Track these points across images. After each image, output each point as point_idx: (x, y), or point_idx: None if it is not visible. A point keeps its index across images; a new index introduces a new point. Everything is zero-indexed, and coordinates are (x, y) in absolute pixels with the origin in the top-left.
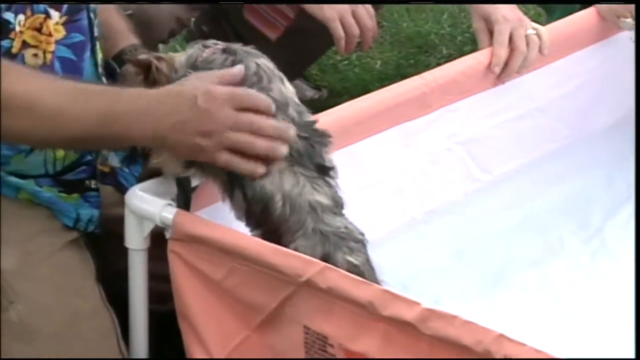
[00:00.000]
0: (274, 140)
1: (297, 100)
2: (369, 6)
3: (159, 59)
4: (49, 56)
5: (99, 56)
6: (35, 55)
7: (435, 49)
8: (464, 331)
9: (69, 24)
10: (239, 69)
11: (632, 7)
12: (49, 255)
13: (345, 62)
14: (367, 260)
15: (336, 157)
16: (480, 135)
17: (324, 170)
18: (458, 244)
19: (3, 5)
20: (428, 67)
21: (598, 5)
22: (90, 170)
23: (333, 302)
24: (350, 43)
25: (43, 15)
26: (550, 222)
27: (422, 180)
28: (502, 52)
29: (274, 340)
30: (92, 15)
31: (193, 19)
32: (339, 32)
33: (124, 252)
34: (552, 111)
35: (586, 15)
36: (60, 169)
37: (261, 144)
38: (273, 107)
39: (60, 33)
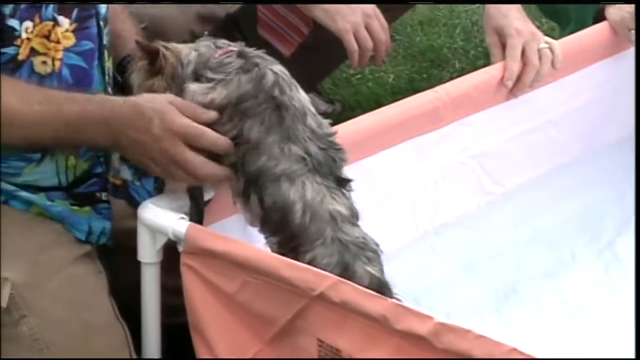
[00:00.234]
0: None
1: (313, 109)
2: (382, 19)
3: (166, 48)
4: (57, 64)
5: (107, 64)
6: (44, 62)
7: (448, 63)
8: (477, 345)
9: (79, 31)
10: (213, 115)
11: None
12: (61, 269)
13: (358, 76)
14: (382, 271)
15: (349, 170)
16: (492, 149)
17: (342, 182)
18: (470, 257)
19: (7, 12)
20: (441, 81)
21: (609, 15)
22: (101, 183)
23: (346, 315)
24: (364, 57)
25: (51, 23)
26: (562, 236)
27: (435, 193)
28: (515, 66)
29: (287, 353)
30: (101, 23)
31: (206, 33)
32: (353, 45)
33: (136, 265)
34: (564, 125)
35: (598, 30)
36: (72, 180)
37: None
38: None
39: (70, 40)
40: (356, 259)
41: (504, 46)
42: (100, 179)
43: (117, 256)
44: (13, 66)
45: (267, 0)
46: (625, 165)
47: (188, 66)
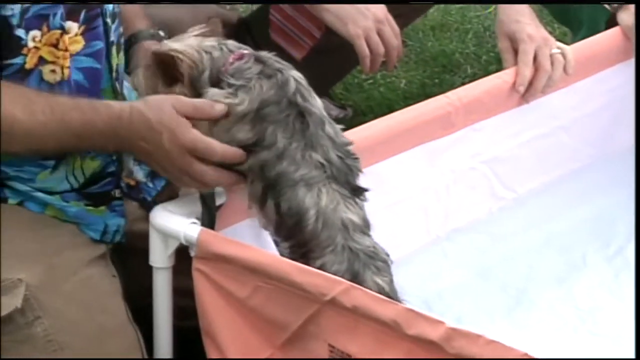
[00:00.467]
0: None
1: (326, 115)
2: (394, 24)
3: (181, 54)
4: (66, 72)
5: (114, 61)
6: (53, 71)
7: (460, 68)
8: (488, 350)
9: (88, 32)
10: (221, 108)
11: None
12: (75, 271)
13: (370, 81)
14: (392, 282)
15: (361, 176)
16: (504, 154)
17: (358, 191)
18: (482, 262)
19: (15, 23)
20: (453, 86)
21: (621, 20)
22: (115, 182)
23: (357, 320)
24: (376, 62)
25: (59, 31)
26: (573, 241)
27: (447, 199)
28: (527, 71)
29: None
30: (108, 20)
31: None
32: (365, 50)
33: (148, 268)
34: (575, 130)
35: (610, 35)
36: (83, 182)
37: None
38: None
39: (79, 44)
40: (365, 268)
41: (516, 51)
42: (114, 177)
43: (129, 258)
44: (21, 75)
45: (276, 0)
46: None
47: (204, 72)
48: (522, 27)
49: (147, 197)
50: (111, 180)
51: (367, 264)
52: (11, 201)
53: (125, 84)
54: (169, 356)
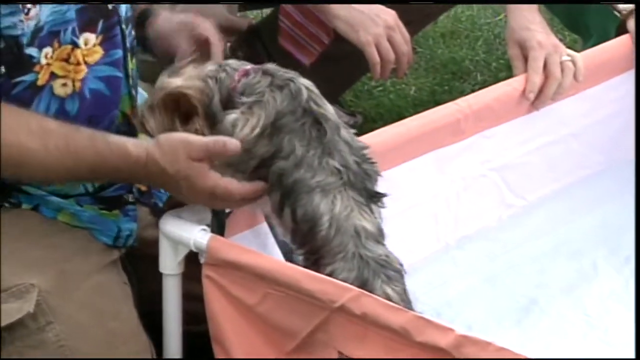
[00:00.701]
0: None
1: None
2: (404, 31)
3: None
4: (77, 84)
5: (130, 67)
6: (64, 84)
7: (470, 76)
8: (498, 357)
9: (107, 42)
10: (237, 146)
11: None
12: (87, 277)
13: (380, 88)
14: (405, 291)
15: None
16: (514, 162)
17: (375, 197)
18: (492, 269)
19: (25, 42)
20: (462, 93)
21: (631, 27)
22: (127, 186)
23: (367, 328)
24: (386, 69)
25: (70, 46)
26: (583, 248)
27: (456, 206)
28: (537, 78)
29: None
30: (123, 26)
31: (229, 44)
32: (375, 57)
33: (158, 274)
34: (585, 137)
35: (620, 42)
36: (97, 185)
37: None
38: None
39: (98, 54)
40: (375, 276)
41: (526, 59)
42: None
43: (139, 265)
44: (32, 92)
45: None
46: None
47: (214, 98)
48: (533, 35)
49: (159, 202)
50: (124, 184)
51: (377, 273)
52: (25, 206)
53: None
54: None
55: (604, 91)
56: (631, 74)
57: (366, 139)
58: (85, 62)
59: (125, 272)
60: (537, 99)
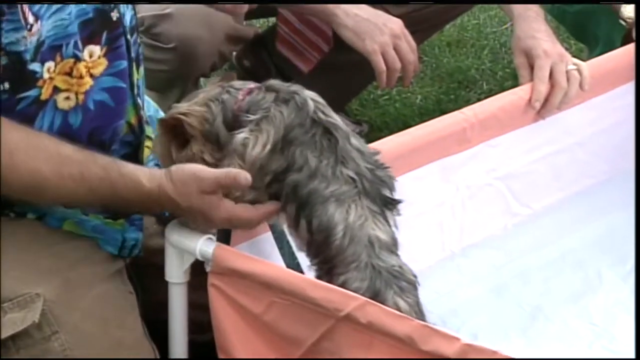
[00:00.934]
0: None
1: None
2: (410, 39)
3: (185, 115)
4: (81, 97)
5: (134, 77)
6: (67, 98)
7: (476, 85)
8: None
9: (111, 52)
10: (247, 180)
11: None
12: (92, 286)
13: (386, 97)
14: (417, 303)
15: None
16: (519, 170)
17: (391, 204)
18: (497, 278)
19: (28, 58)
20: (468, 102)
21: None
22: None
23: (372, 336)
24: (392, 77)
25: (72, 60)
26: (588, 257)
27: (462, 214)
28: (543, 87)
29: None
30: (128, 36)
31: (235, 53)
32: (381, 65)
33: (163, 283)
34: (591, 146)
35: (626, 52)
36: None
37: None
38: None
39: (102, 65)
40: (387, 287)
41: (531, 67)
42: None
43: (144, 274)
44: (36, 107)
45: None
46: None
47: (215, 120)
48: (538, 43)
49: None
50: None
51: (389, 283)
52: (30, 215)
53: (145, 97)
54: None
55: (609, 100)
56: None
57: (372, 147)
58: (91, 75)
59: (130, 281)
60: (543, 108)
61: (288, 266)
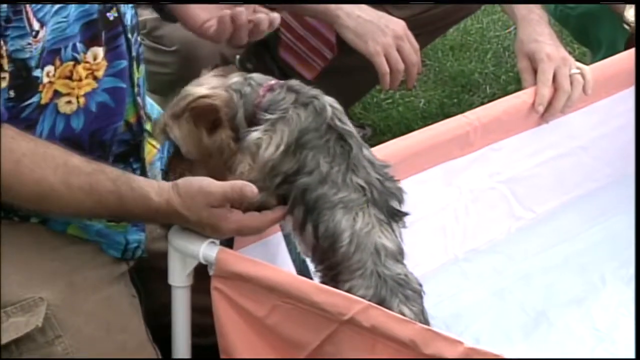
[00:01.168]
0: None
1: None
2: (413, 41)
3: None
4: (82, 100)
5: (135, 76)
6: (69, 102)
7: (479, 88)
8: None
9: (110, 52)
10: (254, 192)
11: None
12: (96, 289)
13: (389, 100)
14: (422, 312)
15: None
16: (523, 174)
17: (397, 215)
18: (500, 282)
19: (33, 65)
20: (471, 106)
21: None
22: None
23: (376, 340)
24: (395, 79)
25: (72, 63)
26: (592, 261)
27: (465, 218)
28: (546, 91)
29: None
30: (129, 35)
31: (238, 56)
32: (384, 67)
33: (166, 287)
34: (594, 150)
35: (629, 56)
36: None
37: None
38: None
39: (104, 67)
40: (393, 295)
41: (535, 71)
42: None
43: (147, 277)
44: (38, 112)
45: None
46: None
47: (238, 112)
48: (542, 47)
49: None
50: None
51: (394, 292)
52: (34, 219)
53: (148, 99)
54: None
55: (612, 104)
56: None
57: (375, 151)
58: (95, 77)
59: (133, 284)
60: (546, 112)
61: (295, 262)
